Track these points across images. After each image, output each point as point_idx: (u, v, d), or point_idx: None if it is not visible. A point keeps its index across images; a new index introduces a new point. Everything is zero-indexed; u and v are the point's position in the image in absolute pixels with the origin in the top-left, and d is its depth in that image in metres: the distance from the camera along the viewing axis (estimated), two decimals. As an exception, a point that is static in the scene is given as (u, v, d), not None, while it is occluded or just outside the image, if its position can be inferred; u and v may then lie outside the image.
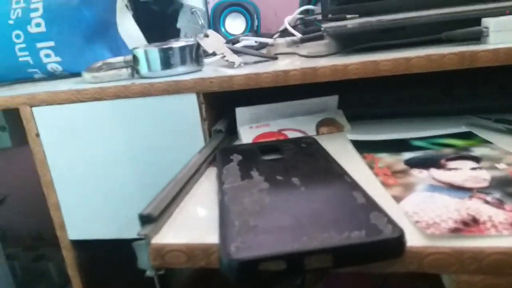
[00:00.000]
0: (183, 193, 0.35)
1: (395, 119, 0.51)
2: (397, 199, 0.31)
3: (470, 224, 0.26)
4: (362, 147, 0.43)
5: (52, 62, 0.68)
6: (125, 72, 0.55)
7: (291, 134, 0.49)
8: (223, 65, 0.57)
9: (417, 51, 0.44)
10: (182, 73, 0.54)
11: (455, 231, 0.25)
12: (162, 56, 0.52)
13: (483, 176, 0.33)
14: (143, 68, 0.54)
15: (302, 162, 0.38)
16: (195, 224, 0.30)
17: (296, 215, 0.27)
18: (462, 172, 0.34)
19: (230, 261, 0.23)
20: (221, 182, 0.34)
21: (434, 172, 0.35)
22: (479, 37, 0.44)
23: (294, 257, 0.23)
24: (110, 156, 0.54)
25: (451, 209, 0.28)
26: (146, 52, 0.53)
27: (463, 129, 0.44)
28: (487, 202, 0.29)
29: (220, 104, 0.55)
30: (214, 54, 0.56)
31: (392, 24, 0.47)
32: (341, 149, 0.43)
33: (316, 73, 0.44)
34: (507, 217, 0.26)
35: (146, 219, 0.29)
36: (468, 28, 0.44)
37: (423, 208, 0.29)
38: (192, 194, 0.36)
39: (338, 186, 0.32)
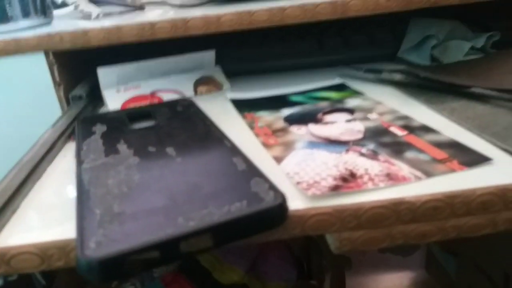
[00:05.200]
0: (33, 179, 0.29)
1: (273, 74, 0.50)
2: (278, 160, 0.29)
3: (348, 180, 0.26)
4: (242, 106, 0.41)
5: None
6: None
7: (167, 96, 0.45)
8: (78, 17, 0.48)
9: (291, 0, 0.42)
10: (24, 28, 0.44)
11: (335, 189, 0.25)
12: (-8, 7, 0.42)
13: (357, 128, 0.33)
14: (-31, 23, 0.43)
15: (178, 128, 0.34)
16: (48, 217, 0.25)
17: (171, 192, 0.24)
18: (338, 125, 0.34)
19: (89, 261, 0.19)
20: (79, 161, 0.28)
21: (312, 127, 0.34)
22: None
23: (168, 244, 0.20)
24: None
25: (330, 165, 0.28)
26: (-31, 2, 0.42)
27: (337, 81, 0.45)
28: (362, 154, 0.29)
29: (80, 65, 0.47)
30: (65, 4, 0.47)
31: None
32: (221, 110, 0.41)
33: (187, 25, 0.39)
34: (382, 169, 0.27)
35: (-21, 219, 0.23)
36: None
37: (304, 168, 0.28)
38: (45, 179, 0.29)
39: (218, 153, 0.29)
